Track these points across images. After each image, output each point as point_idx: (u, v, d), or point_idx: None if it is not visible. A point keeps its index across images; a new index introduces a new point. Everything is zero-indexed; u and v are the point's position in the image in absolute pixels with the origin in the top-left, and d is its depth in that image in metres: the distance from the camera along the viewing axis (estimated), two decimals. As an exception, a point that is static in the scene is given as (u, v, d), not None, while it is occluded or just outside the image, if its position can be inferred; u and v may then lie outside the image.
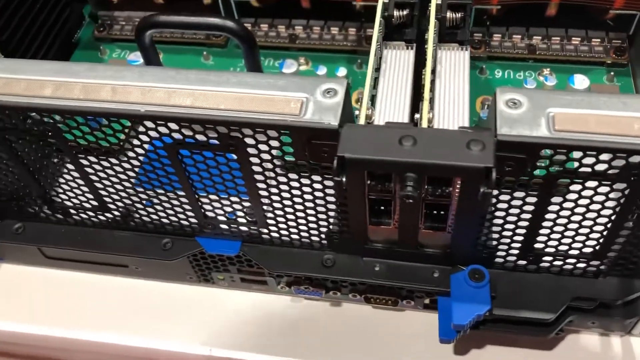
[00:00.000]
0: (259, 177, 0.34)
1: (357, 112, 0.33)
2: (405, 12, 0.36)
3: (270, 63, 0.49)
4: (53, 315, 0.44)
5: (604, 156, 0.28)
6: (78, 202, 0.39)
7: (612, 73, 0.44)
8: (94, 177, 0.37)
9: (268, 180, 0.34)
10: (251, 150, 0.32)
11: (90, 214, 0.41)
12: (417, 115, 0.31)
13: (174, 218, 0.39)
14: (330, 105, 0.30)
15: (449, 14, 0.35)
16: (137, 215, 0.40)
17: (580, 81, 0.43)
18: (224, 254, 0.40)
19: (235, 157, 0.33)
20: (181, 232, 0.40)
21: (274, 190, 0.35)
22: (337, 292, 0.41)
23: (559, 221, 0.33)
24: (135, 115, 0.31)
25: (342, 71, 0.46)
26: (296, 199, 0.35)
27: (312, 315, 0.43)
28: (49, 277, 0.45)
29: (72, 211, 0.41)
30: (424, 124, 0.29)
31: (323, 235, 0.38)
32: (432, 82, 0.32)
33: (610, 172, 0.29)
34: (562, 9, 0.45)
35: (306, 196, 0.35)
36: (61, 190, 0.39)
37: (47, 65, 0.34)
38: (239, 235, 0.40)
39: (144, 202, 0.39)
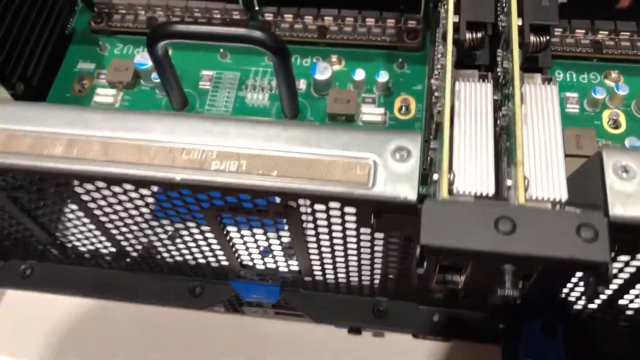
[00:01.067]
0: (311, 238, 0.30)
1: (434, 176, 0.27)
2: (479, 35, 0.30)
3: (298, 62, 0.43)
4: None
5: None
6: (93, 248, 0.35)
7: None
8: (106, 221, 0.32)
9: (321, 240, 0.30)
10: (306, 218, 0.27)
11: (108, 258, 0.36)
12: (508, 182, 0.26)
13: (203, 261, 0.35)
14: (404, 172, 0.25)
15: (532, 38, 0.29)
16: (160, 257, 0.36)
17: (658, 92, 0.38)
18: (262, 301, 0.36)
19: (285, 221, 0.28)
20: (213, 275, 0.36)
21: (326, 246, 0.30)
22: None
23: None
24: (168, 184, 0.26)
25: (383, 76, 0.40)
26: (351, 253, 0.31)
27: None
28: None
29: (87, 256, 0.36)
30: (521, 199, 0.25)
31: (376, 281, 0.34)
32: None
33: None
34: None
35: (363, 250, 0.30)
36: (73, 238, 0.34)
37: (56, 111, 0.28)
38: (278, 278, 0.35)
39: (168, 244, 0.34)
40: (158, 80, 0.39)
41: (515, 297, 0.24)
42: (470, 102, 0.28)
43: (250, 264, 0.34)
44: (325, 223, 0.28)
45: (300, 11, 0.43)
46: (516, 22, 0.29)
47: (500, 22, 0.31)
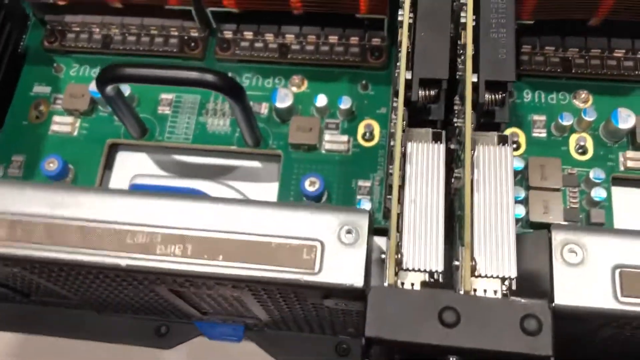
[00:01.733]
0: (266, 304, 0.30)
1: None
2: (432, 93, 0.28)
3: (259, 83, 0.41)
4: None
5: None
6: (55, 300, 0.35)
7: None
8: (60, 287, 0.32)
9: (275, 306, 0.30)
10: (257, 291, 0.27)
11: (72, 302, 0.36)
12: (456, 262, 0.25)
13: (165, 306, 0.35)
14: (351, 257, 0.25)
15: (487, 96, 0.28)
16: (123, 302, 0.36)
17: (625, 119, 0.37)
18: (227, 340, 0.36)
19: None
20: (177, 316, 0.36)
21: (282, 309, 0.30)
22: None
23: None
24: (114, 269, 0.26)
25: (346, 102, 0.39)
26: (308, 314, 0.31)
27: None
28: None
29: (50, 299, 0.36)
30: (467, 286, 0.24)
31: (338, 327, 0.34)
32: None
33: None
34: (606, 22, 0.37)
35: (319, 313, 0.30)
36: (34, 291, 0.34)
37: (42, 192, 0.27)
38: (240, 321, 0.36)
39: (129, 297, 0.34)
40: (115, 110, 0.38)
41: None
42: (422, 167, 0.28)
43: (212, 311, 0.34)
44: (277, 296, 0.28)
45: (260, 29, 0.41)
46: (470, 79, 0.28)
47: (457, 72, 0.30)
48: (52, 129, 0.41)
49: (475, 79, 0.28)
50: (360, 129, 0.39)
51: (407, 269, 0.26)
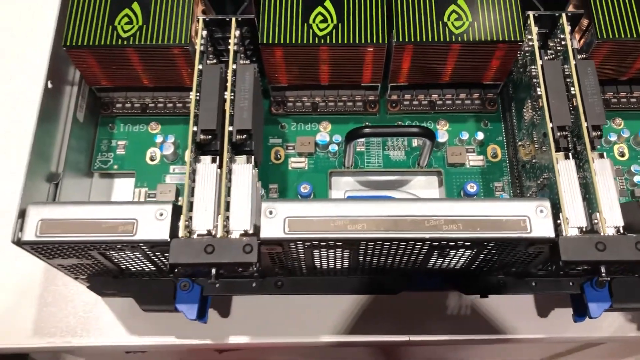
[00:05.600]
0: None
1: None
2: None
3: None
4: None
5: None
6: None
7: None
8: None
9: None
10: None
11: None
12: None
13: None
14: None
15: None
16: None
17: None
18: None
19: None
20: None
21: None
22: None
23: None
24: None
25: (479, 135, 0.63)
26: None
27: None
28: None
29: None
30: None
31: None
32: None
33: None
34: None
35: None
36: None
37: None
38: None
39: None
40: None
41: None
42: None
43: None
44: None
45: (416, 92, 0.65)
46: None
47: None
48: (291, 166, 0.64)
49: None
50: (489, 151, 0.64)
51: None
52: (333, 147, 0.63)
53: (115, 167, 0.63)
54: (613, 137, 0.63)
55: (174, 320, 0.61)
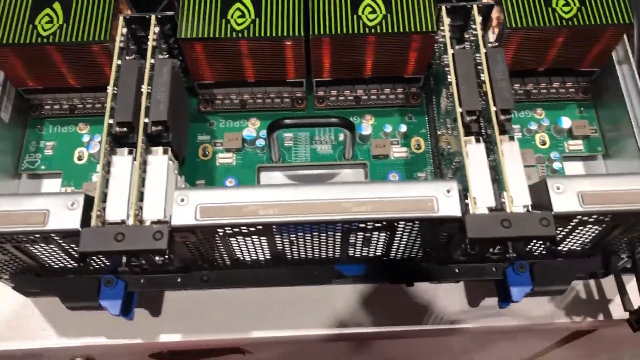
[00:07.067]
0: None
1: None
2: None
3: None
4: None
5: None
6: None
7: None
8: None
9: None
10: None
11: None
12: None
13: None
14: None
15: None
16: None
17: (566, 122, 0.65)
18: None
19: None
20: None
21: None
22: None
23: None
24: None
25: (402, 128, 0.64)
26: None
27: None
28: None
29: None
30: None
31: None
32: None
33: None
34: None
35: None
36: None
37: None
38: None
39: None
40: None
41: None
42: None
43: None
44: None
45: (341, 87, 0.66)
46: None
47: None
48: (219, 162, 0.64)
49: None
50: (412, 143, 0.65)
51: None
52: (260, 142, 0.64)
53: (43, 167, 0.64)
54: (534, 127, 0.65)
55: (106, 321, 0.60)
